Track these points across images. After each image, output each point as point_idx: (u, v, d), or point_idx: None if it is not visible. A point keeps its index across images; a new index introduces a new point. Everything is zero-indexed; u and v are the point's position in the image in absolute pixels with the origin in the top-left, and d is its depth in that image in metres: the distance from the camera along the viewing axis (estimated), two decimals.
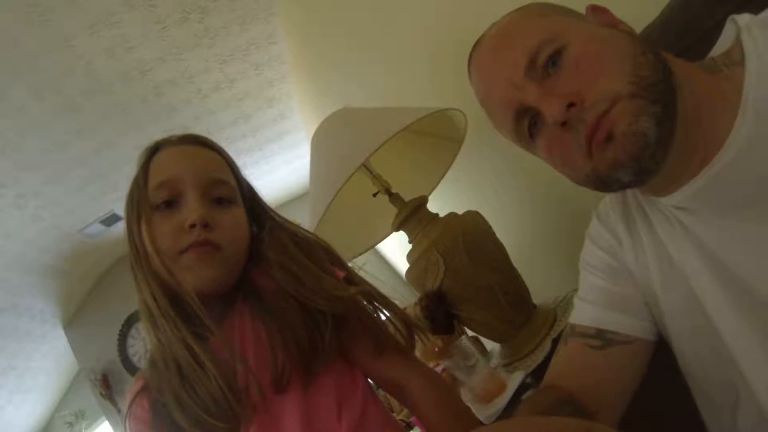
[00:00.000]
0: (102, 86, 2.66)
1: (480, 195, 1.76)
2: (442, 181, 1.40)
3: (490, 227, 1.19)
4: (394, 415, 1.50)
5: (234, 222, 0.76)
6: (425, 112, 1.08)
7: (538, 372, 1.05)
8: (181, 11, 2.36)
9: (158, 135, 0.80)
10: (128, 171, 0.77)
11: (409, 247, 1.23)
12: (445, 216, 1.21)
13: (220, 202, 0.75)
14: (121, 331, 4.48)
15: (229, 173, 0.79)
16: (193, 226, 0.69)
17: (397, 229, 1.25)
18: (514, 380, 1.07)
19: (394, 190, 1.26)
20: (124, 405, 4.18)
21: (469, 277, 1.12)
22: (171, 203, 0.72)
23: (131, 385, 0.76)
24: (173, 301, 0.70)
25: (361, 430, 0.71)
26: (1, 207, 3.15)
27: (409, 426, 1.47)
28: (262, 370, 0.70)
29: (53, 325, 4.58)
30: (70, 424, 5.12)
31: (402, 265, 3.02)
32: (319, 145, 1.29)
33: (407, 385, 0.78)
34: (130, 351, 4.41)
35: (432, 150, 1.38)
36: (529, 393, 1.01)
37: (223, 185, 0.76)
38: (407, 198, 1.25)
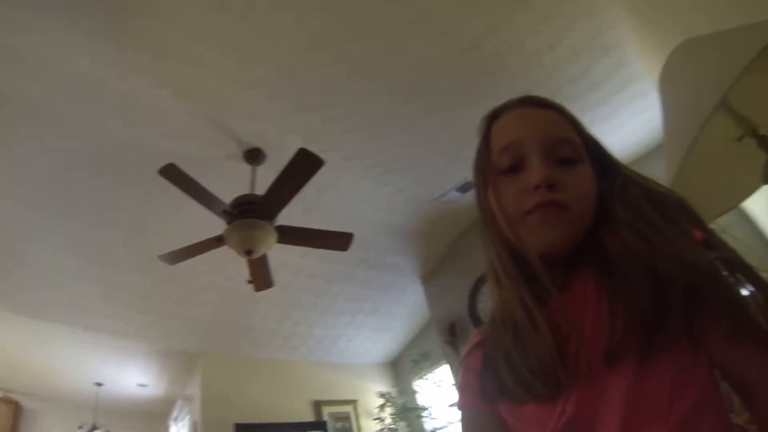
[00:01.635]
0: (442, 67, 2.96)
1: None
2: None
3: None
4: (734, 416, 1.20)
5: (580, 180, 0.70)
6: None
7: None
8: None
9: (501, 102, 0.81)
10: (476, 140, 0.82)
11: None
12: None
13: (565, 162, 0.70)
14: (472, 288, 4.82)
15: (572, 130, 0.74)
16: (537, 187, 0.67)
17: None
18: None
19: (762, 132, 1.00)
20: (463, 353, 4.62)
21: None
22: (515, 167, 0.72)
23: (471, 338, 0.81)
24: (517, 261, 0.71)
25: (691, 427, 0.58)
26: (371, 184, 3.89)
27: None
28: (598, 339, 0.64)
29: (413, 280, 5.39)
30: (416, 362, 5.97)
31: None
32: (667, 88, 1.12)
33: (760, 388, 0.61)
34: (478, 307, 4.71)
35: None
36: None
37: (566, 144, 0.72)
38: None
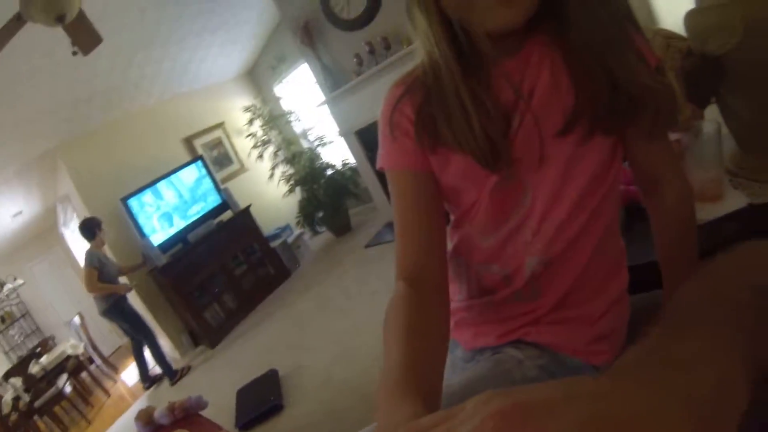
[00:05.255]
0: None
1: None
2: None
3: None
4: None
5: None
6: None
7: (764, 210, 0.92)
8: None
9: None
10: None
11: None
12: None
13: None
14: None
15: None
16: None
17: None
18: (734, 199, 0.97)
19: None
20: (323, 51, 4.65)
21: (763, 67, 0.90)
22: None
23: (390, 92, 0.74)
24: (454, 31, 0.64)
25: (599, 209, 0.72)
26: None
27: None
28: (552, 107, 0.66)
29: None
30: (273, 67, 5.85)
31: None
32: None
33: (663, 186, 0.75)
34: (332, 1, 4.38)
35: None
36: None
37: None
38: None
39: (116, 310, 4.19)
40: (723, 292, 0.39)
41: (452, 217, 0.81)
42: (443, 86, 0.66)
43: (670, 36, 1.19)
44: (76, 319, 6.10)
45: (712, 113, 1.11)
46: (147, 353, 4.47)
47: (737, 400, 0.28)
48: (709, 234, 0.88)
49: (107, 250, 4.47)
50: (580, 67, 0.64)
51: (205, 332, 4.72)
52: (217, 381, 3.77)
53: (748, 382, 0.29)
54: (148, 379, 4.57)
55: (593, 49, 0.62)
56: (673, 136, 1.17)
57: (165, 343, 5.09)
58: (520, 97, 0.66)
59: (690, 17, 1.01)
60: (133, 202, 4.60)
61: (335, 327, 3.42)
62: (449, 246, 0.81)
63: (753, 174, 1.02)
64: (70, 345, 5.82)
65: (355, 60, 4.39)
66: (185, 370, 4.46)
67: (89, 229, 4.14)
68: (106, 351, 6.51)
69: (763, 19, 0.86)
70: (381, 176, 3.45)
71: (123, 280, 4.47)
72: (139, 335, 4.34)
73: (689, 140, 1.03)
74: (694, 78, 1.04)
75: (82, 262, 4.24)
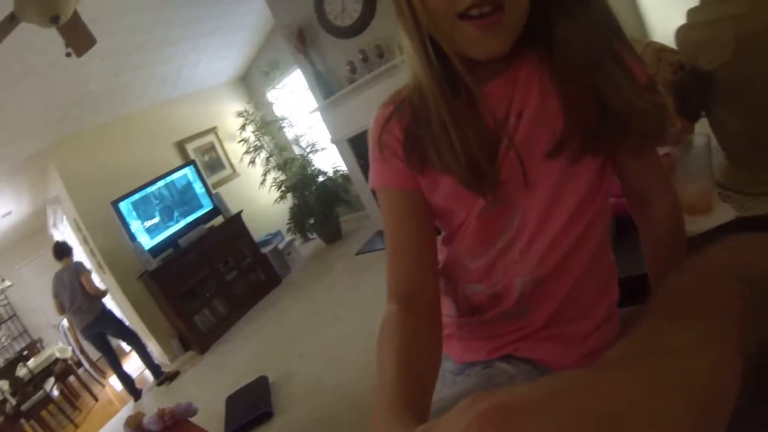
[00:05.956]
0: None
1: None
2: None
3: None
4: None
5: None
6: None
7: (752, 224, 0.92)
8: None
9: None
10: None
11: None
12: None
13: None
14: None
15: None
16: None
17: None
18: (723, 212, 0.97)
19: None
20: (316, 58, 4.69)
21: (753, 82, 0.91)
22: None
23: (379, 112, 0.74)
24: (438, 51, 0.63)
25: (589, 227, 0.71)
26: None
27: None
28: (541, 129, 0.65)
29: None
30: (265, 73, 5.81)
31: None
32: None
33: (652, 201, 0.76)
34: (327, 8, 4.37)
35: None
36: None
37: None
38: None
39: (108, 315, 4.29)
40: (713, 281, 0.39)
41: (443, 233, 0.80)
42: (428, 109, 0.66)
43: (662, 49, 1.21)
44: (65, 323, 6.05)
45: (702, 127, 1.12)
46: (126, 366, 4.52)
47: (731, 387, 0.29)
48: (698, 246, 0.88)
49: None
50: (569, 88, 0.63)
51: (195, 337, 4.69)
52: (207, 387, 3.75)
53: (740, 369, 0.30)
54: (135, 392, 4.49)
55: (582, 69, 0.61)
56: (663, 150, 1.19)
57: (154, 348, 5.06)
58: (507, 120, 0.66)
59: (682, 32, 1.02)
60: (123, 206, 4.57)
61: (326, 334, 3.41)
62: (440, 259, 0.81)
63: (742, 186, 1.02)
64: (58, 348, 5.79)
65: (347, 67, 4.37)
66: (172, 374, 4.45)
67: (68, 248, 4.38)
68: (94, 355, 6.45)
69: (753, 36, 0.86)
70: None
71: None
72: (128, 339, 4.37)
73: (679, 153, 1.03)
74: (684, 92, 1.05)
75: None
